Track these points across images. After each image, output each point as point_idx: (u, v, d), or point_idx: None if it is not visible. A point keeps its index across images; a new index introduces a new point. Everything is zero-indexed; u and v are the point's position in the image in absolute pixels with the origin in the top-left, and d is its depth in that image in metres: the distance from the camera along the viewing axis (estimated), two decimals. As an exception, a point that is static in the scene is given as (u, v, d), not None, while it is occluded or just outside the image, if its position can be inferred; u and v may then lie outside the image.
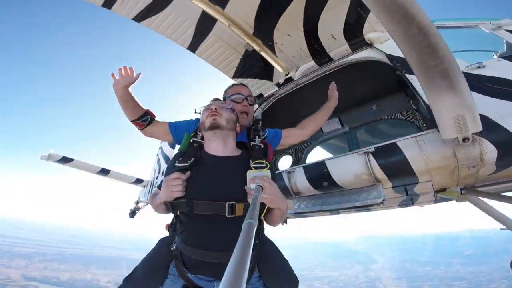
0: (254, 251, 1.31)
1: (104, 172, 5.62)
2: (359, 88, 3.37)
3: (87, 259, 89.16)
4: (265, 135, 1.76)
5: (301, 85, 2.75)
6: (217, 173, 1.32)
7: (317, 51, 2.47)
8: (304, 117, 2.09)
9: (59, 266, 73.74)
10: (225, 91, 1.97)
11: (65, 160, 5.12)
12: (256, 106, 2.38)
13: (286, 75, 2.77)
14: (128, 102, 1.74)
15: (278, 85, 2.87)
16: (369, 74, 3.07)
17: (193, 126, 1.77)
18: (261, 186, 1.08)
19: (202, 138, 1.53)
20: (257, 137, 1.65)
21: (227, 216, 1.19)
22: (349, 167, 2.08)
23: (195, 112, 1.77)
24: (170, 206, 1.29)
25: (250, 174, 1.19)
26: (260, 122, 2.05)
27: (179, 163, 1.37)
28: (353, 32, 2.26)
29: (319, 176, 2.22)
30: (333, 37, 2.33)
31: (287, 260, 1.50)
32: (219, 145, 1.43)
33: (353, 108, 3.73)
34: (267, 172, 1.21)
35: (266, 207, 1.21)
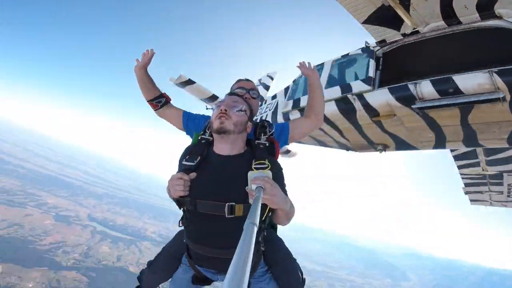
0: (255, 249, 1.40)
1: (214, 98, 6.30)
2: (481, 53, 3.90)
3: (144, 207, 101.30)
4: (272, 132, 1.75)
5: (427, 38, 3.56)
6: (221, 173, 1.38)
7: (448, 14, 3.14)
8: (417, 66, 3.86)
9: (120, 210, 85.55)
10: (231, 87, 2.03)
11: (189, 82, 5.94)
12: (258, 100, 2.09)
13: (414, 28, 3.53)
14: (145, 83, 1.92)
15: (404, 35, 3.68)
16: (493, 41, 3.67)
17: (203, 123, 1.83)
18: (262, 187, 1.11)
19: (211, 134, 1.56)
20: (262, 134, 1.67)
21: (226, 216, 1.27)
22: (474, 79, 2.94)
23: (207, 109, 1.83)
24: (176, 202, 1.42)
25: (251, 175, 1.21)
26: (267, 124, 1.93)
27: (186, 161, 1.46)
28: (485, 6, 2.87)
29: (446, 85, 3.07)
30: (465, 7, 2.97)
31: (295, 259, 1.62)
32: (226, 147, 1.46)
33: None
34: (268, 173, 1.22)
35: (268, 208, 1.27)
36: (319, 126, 2.03)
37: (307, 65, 2.03)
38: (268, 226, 1.59)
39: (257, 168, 1.28)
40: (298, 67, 2.06)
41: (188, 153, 1.50)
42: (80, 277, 35.20)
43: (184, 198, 1.36)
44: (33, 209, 55.87)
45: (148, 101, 1.95)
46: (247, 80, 2.03)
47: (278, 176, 1.36)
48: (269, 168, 1.29)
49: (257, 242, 1.43)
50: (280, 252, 1.61)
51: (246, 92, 1.89)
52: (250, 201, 1.12)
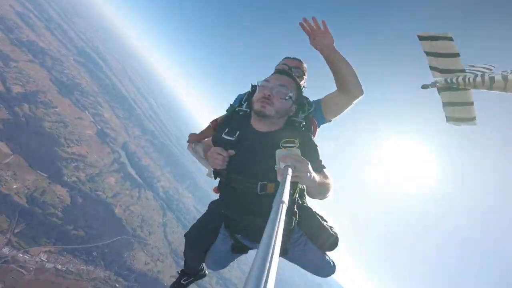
0: (288, 221, 1.54)
1: None
2: None
3: (173, 161, 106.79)
4: (310, 110, 1.78)
5: None
6: (257, 151, 1.44)
7: None
8: None
9: (151, 152, 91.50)
10: (276, 66, 2.06)
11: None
12: (303, 79, 2.11)
13: None
14: (203, 149, 1.92)
15: None
16: None
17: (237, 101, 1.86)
18: (290, 166, 1.11)
19: (249, 106, 1.60)
20: (300, 112, 1.71)
21: (259, 193, 1.39)
22: None
23: (252, 86, 1.78)
24: (213, 173, 1.56)
25: (278, 153, 1.22)
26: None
27: (226, 135, 1.54)
28: None
29: None
30: None
31: (326, 221, 1.77)
32: (264, 126, 1.52)
33: None
34: (296, 151, 1.23)
35: (298, 185, 1.38)
36: (358, 97, 1.80)
37: (314, 25, 1.63)
38: (300, 196, 1.68)
39: (285, 146, 1.28)
40: (301, 25, 1.69)
41: (228, 125, 1.58)
42: (65, 196, 37.26)
43: (221, 171, 1.48)
44: (88, 116, 63.42)
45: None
46: (294, 58, 2.05)
47: (309, 152, 1.37)
48: (297, 146, 1.29)
49: (289, 215, 1.53)
50: (311, 218, 1.73)
51: (288, 68, 1.93)
52: (279, 179, 1.12)
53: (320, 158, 1.52)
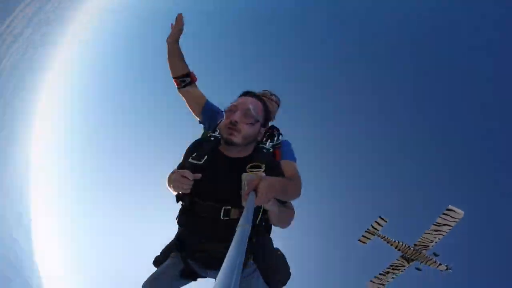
0: (249, 248, 1.41)
1: None
2: None
3: None
4: (278, 143, 1.80)
5: None
6: (223, 175, 1.41)
7: None
8: None
9: None
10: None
11: None
12: (276, 107, 2.19)
13: None
14: (173, 57, 1.89)
15: None
16: None
17: (218, 118, 1.82)
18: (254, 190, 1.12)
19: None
20: (269, 140, 1.72)
21: (222, 218, 1.36)
22: None
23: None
24: (176, 197, 1.49)
25: (244, 177, 1.21)
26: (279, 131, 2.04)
27: (192, 160, 1.49)
28: None
29: None
30: None
31: (281, 255, 1.72)
32: (232, 152, 1.49)
33: None
34: (261, 174, 1.25)
35: (261, 210, 1.33)
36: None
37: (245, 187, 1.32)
38: (260, 225, 1.58)
39: (252, 171, 1.28)
40: None
41: (196, 149, 1.53)
42: None
43: (184, 195, 1.43)
44: None
45: (173, 78, 1.89)
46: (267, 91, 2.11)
47: (274, 175, 1.38)
48: (263, 170, 1.30)
49: (249, 242, 1.37)
50: (266, 249, 1.70)
51: (270, 94, 1.99)
52: (243, 203, 1.11)
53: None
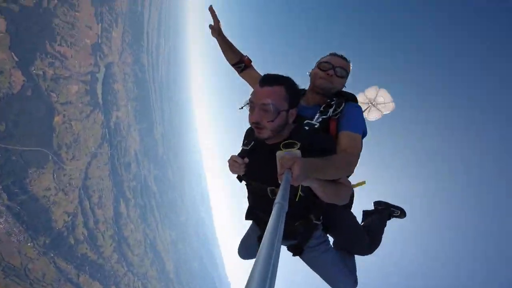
0: (304, 223, 1.66)
1: None
2: None
3: None
4: (337, 112, 1.66)
5: None
6: (266, 159, 1.47)
7: None
8: None
9: None
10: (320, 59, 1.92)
11: None
12: (344, 80, 1.87)
13: None
14: (224, 49, 2.05)
15: None
16: None
17: None
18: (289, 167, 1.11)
19: None
20: (319, 114, 1.65)
21: (271, 197, 1.50)
22: None
23: (240, 108, 1.62)
24: (237, 178, 1.72)
25: (278, 155, 1.20)
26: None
27: (243, 146, 1.71)
28: None
29: None
30: None
31: (359, 228, 1.93)
32: (271, 139, 1.52)
33: None
34: (296, 152, 1.21)
35: (300, 186, 1.33)
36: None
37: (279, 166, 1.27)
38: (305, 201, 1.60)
39: (286, 148, 1.28)
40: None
41: (246, 137, 1.75)
42: (17, 84, 32.90)
43: (241, 176, 1.66)
44: (98, 27, 56.35)
45: (231, 65, 2.08)
46: (340, 56, 1.86)
47: (314, 151, 1.36)
48: (297, 147, 1.27)
49: (306, 217, 1.63)
50: (339, 225, 1.81)
51: (330, 68, 1.77)
52: (279, 180, 1.10)
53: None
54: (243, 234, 2.22)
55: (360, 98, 2.94)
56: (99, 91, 63.70)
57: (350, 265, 1.93)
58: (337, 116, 1.65)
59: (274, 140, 1.52)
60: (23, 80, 36.48)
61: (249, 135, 1.73)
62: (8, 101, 33.98)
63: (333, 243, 1.84)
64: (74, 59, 50.95)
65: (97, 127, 61.12)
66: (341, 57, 1.85)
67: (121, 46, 77.29)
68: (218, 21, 1.97)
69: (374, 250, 1.95)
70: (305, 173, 1.13)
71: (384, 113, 2.89)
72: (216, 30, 1.98)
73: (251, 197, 1.77)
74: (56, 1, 42.64)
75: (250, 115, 1.49)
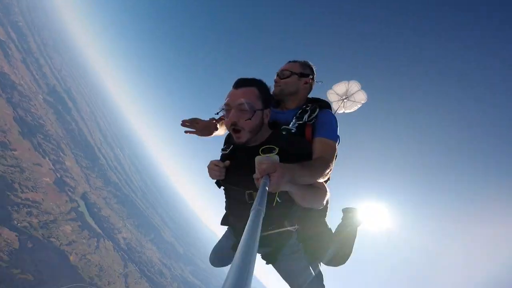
0: (280, 230, 1.63)
1: None
2: None
3: (137, 214, 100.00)
4: (312, 118, 1.69)
5: None
6: (244, 162, 1.47)
7: None
8: None
9: (113, 204, 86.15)
10: None
11: None
12: (297, 77, 1.89)
13: None
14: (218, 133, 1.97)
15: None
16: None
17: None
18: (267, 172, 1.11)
19: None
20: (295, 119, 1.69)
21: (247, 202, 1.48)
22: None
23: (216, 114, 1.65)
24: (215, 183, 1.70)
25: (257, 160, 1.20)
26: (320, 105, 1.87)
27: (222, 150, 1.71)
28: None
29: None
30: None
31: (325, 236, 1.85)
32: (249, 142, 1.53)
33: None
34: (274, 157, 1.22)
35: (277, 192, 1.28)
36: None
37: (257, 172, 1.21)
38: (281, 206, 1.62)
39: (264, 152, 1.28)
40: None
41: (225, 142, 1.76)
42: (13, 240, 33.89)
43: (220, 181, 1.66)
44: (48, 162, 59.62)
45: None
46: (289, 62, 1.95)
47: (291, 156, 1.40)
48: (276, 152, 1.27)
49: (280, 223, 1.62)
50: (312, 234, 1.79)
51: (277, 75, 1.90)
52: (257, 185, 1.09)
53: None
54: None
55: (332, 96, 3.01)
56: (92, 223, 62.54)
57: (320, 275, 1.89)
58: (312, 121, 1.69)
59: (253, 143, 1.53)
60: (16, 235, 35.26)
61: (228, 140, 1.74)
62: (17, 257, 33.57)
63: (305, 252, 1.78)
64: (48, 202, 50.99)
65: (112, 252, 59.22)
66: (292, 61, 1.96)
67: (82, 172, 78.40)
68: (212, 125, 1.89)
69: (346, 260, 1.93)
70: (284, 179, 1.15)
71: (359, 104, 2.90)
72: (207, 134, 1.88)
73: (228, 202, 1.74)
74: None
75: (226, 119, 1.49)
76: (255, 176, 1.16)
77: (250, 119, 1.44)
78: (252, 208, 0.77)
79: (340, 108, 3.11)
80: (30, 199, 44.76)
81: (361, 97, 2.93)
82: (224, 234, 2.08)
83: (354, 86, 2.92)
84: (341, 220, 2.22)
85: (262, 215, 0.74)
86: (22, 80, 69.27)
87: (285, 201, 1.47)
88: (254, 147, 1.50)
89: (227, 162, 1.57)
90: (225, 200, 1.77)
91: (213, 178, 1.63)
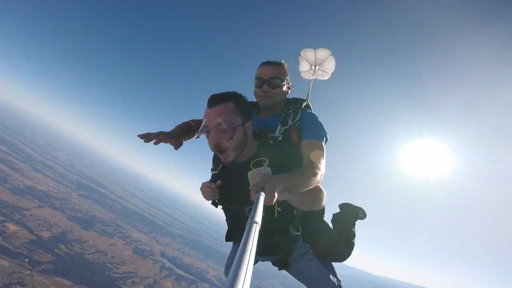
0: (283, 236, 1.63)
1: None
2: None
3: (211, 251, 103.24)
4: (296, 120, 1.67)
5: None
6: (237, 179, 1.45)
7: None
8: None
9: (188, 251, 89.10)
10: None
11: None
12: (284, 86, 1.81)
13: None
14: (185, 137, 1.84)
15: None
16: None
17: None
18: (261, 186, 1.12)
19: None
20: (280, 125, 1.65)
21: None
22: None
23: (197, 137, 1.73)
24: (212, 203, 1.67)
25: (249, 175, 1.22)
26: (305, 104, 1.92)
27: (212, 170, 1.69)
28: None
29: None
30: None
31: (332, 236, 1.89)
32: (238, 158, 1.49)
33: None
34: (266, 170, 1.24)
35: (275, 203, 1.25)
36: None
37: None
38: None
39: (255, 167, 1.26)
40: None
41: (214, 161, 1.73)
42: None
43: (216, 201, 1.63)
44: (118, 240, 63.79)
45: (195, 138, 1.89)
46: (269, 65, 1.78)
47: (282, 165, 1.38)
48: (267, 164, 1.27)
49: (285, 230, 1.61)
50: (316, 233, 1.81)
51: (263, 83, 1.72)
52: (252, 199, 1.06)
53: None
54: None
55: (304, 65, 2.95)
56: (182, 273, 64.96)
57: (333, 269, 1.94)
58: (297, 124, 1.65)
59: (242, 158, 1.49)
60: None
61: (216, 160, 1.67)
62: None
63: (314, 251, 1.82)
64: (140, 269, 53.55)
65: (211, 290, 60.61)
66: (271, 63, 1.78)
67: (149, 237, 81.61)
68: (175, 139, 1.69)
69: (349, 255, 1.95)
70: (278, 191, 1.13)
71: (330, 71, 2.90)
72: (179, 143, 1.72)
73: (229, 219, 1.76)
74: (63, 246, 45.35)
75: (208, 141, 1.44)
76: (251, 188, 1.12)
77: (232, 138, 1.39)
78: (247, 223, 0.78)
79: (311, 77, 2.99)
80: (126, 271, 48.54)
81: (330, 66, 2.87)
82: (232, 249, 2.09)
83: (323, 53, 2.86)
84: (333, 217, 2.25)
85: (258, 228, 0.76)
86: (48, 186, 73.67)
87: (286, 208, 1.49)
88: (245, 162, 1.46)
89: (219, 182, 1.53)
90: (225, 218, 1.78)
91: (207, 199, 1.60)
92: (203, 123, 1.42)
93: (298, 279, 1.91)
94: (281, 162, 1.39)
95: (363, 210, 2.26)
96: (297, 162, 1.48)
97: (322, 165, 1.51)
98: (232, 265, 0.55)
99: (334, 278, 1.89)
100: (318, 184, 1.49)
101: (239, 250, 0.58)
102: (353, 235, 2.06)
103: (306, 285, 1.92)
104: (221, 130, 1.38)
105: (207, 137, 1.44)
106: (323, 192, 1.51)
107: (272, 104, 1.77)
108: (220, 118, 1.37)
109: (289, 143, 1.59)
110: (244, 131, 1.45)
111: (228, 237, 1.87)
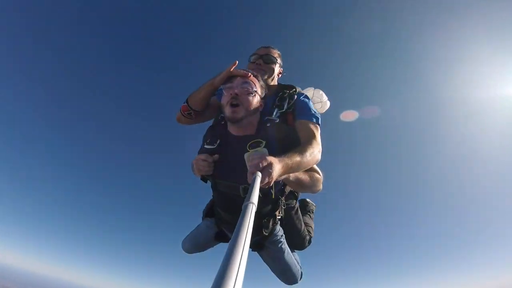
0: (271, 219, 1.60)
1: None
2: None
3: None
4: (291, 104, 1.71)
5: None
6: (236, 155, 1.39)
7: None
8: None
9: None
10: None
11: None
12: (276, 68, 1.97)
13: None
14: (205, 94, 1.73)
15: None
16: None
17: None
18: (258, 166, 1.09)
19: None
20: (277, 108, 1.67)
21: (242, 196, 1.42)
22: None
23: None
24: (201, 178, 1.60)
25: (246, 156, 1.20)
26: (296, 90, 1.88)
27: (207, 145, 1.57)
28: None
29: None
30: None
31: (302, 228, 1.93)
32: (239, 130, 1.52)
33: None
34: (263, 151, 1.24)
35: (273, 184, 1.23)
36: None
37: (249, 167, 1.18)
38: (290, 196, 1.77)
39: (252, 147, 1.32)
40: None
41: (210, 135, 1.65)
42: None
43: (208, 176, 1.57)
44: None
45: (186, 105, 1.79)
46: (266, 47, 1.98)
47: (280, 146, 1.40)
48: (264, 145, 1.32)
49: (272, 214, 1.62)
50: (291, 220, 1.86)
51: (258, 57, 1.90)
52: (249, 181, 1.06)
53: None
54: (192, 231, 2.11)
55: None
56: None
57: (297, 257, 2.02)
58: (291, 109, 1.74)
59: (243, 131, 1.53)
60: None
61: (212, 134, 1.64)
62: None
63: (286, 237, 1.86)
64: None
65: None
66: (267, 46, 1.99)
67: None
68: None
69: (309, 245, 2.07)
70: (275, 172, 1.13)
71: (322, 112, 2.87)
72: (223, 80, 1.67)
73: (218, 197, 1.70)
74: None
75: (227, 93, 1.51)
76: (248, 169, 1.13)
77: (251, 94, 1.51)
78: (244, 203, 0.76)
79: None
80: None
81: (325, 106, 2.86)
82: (204, 223, 2.00)
83: (319, 94, 2.80)
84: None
85: (254, 209, 0.74)
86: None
87: (279, 191, 1.60)
88: (244, 137, 1.51)
89: (216, 156, 1.52)
90: (213, 194, 1.74)
91: (199, 174, 1.57)
92: (229, 85, 1.56)
93: (266, 262, 1.94)
94: (279, 144, 1.42)
95: (312, 203, 2.50)
96: (295, 144, 1.50)
97: (320, 145, 1.57)
98: (228, 244, 0.55)
99: (298, 265, 1.96)
100: (316, 166, 1.57)
101: (235, 230, 0.59)
102: (312, 227, 2.17)
103: (273, 268, 1.95)
104: (245, 88, 1.50)
105: (227, 91, 1.52)
106: (320, 175, 1.56)
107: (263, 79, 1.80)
108: (248, 81, 1.53)
109: (286, 125, 1.65)
110: (260, 104, 1.57)
111: (208, 214, 1.92)
